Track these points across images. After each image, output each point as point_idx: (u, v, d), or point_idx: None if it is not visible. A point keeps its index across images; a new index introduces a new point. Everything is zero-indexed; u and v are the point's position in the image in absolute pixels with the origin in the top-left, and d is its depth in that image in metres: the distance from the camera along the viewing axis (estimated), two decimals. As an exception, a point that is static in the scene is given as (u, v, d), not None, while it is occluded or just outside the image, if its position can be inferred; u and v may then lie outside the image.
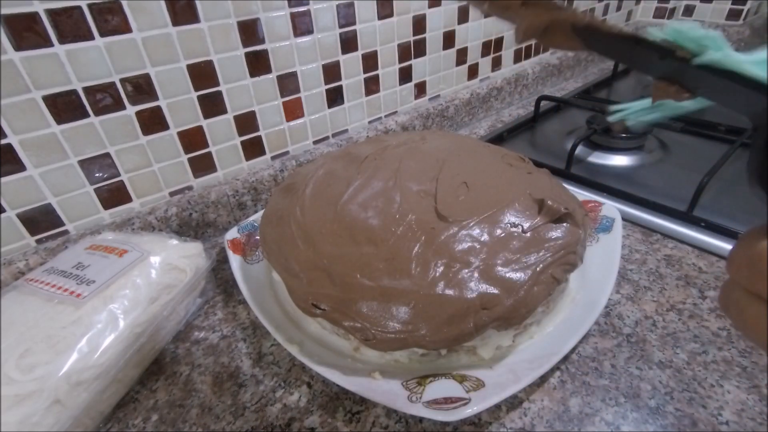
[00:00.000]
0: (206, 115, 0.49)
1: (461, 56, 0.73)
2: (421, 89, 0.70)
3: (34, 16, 0.36)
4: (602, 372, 0.33)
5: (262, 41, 0.49)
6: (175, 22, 0.43)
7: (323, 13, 0.53)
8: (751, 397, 0.31)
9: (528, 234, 0.34)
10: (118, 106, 0.42)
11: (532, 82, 0.87)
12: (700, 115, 0.72)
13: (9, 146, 0.38)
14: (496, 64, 0.80)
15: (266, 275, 0.43)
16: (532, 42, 0.21)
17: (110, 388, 0.33)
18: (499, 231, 0.34)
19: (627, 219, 0.49)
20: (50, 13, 0.36)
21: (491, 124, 0.78)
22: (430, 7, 0.63)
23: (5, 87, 0.36)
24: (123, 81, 0.42)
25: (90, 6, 0.38)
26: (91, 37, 0.39)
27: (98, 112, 0.42)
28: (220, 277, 0.47)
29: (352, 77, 0.60)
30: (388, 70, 0.63)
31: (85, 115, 0.41)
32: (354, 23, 0.56)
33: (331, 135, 0.62)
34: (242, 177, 0.54)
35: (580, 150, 0.61)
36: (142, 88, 0.43)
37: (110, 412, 0.33)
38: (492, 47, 0.77)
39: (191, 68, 0.45)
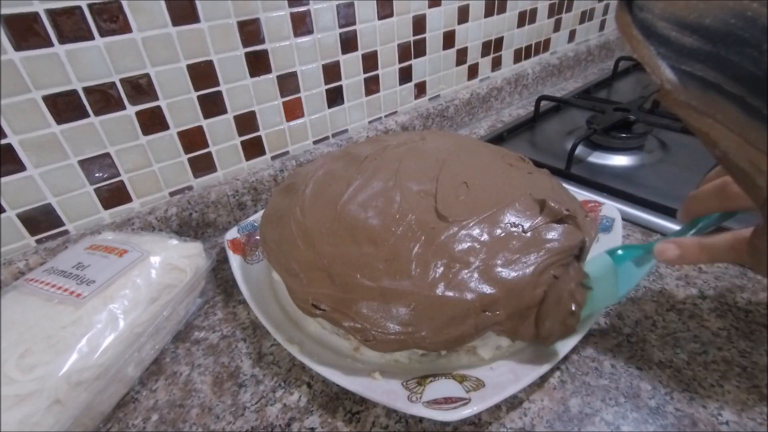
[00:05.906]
0: (206, 115, 0.49)
1: (461, 56, 0.73)
2: (421, 89, 0.70)
3: (34, 16, 0.36)
4: (602, 372, 0.33)
5: (262, 41, 0.49)
6: (175, 22, 0.43)
7: (323, 13, 0.53)
8: (751, 397, 0.31)
9: (528, 234, 0.34)
10: (118, 106, 0.42)
11: (532, 82, 0.87)
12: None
13: (9, 146, 0.38)
14: (496, 64, 0.80)
15: (266, 275, 0.43)
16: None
17: (110, 388, 0.33)
18: (499, 231, 0.34)
19: (627, 219, 0.49)
20: (50, 13, 0.36)
21: (491, 124, 0.78)
22: (430, 7, 0.63)
23: (5, 87, 0.36)
24: (123, 81, 0.42)
25: (90, 6, 0.38)
26: (91, 37, 0.39)
27: (98, 112, 0.42)
28: (220, 277, 0.47)
29: (352, 77, 0.60)
30: (388, 70, 0.63)
31: (85, 115, 0.41)
32: (354, 23, 0.56)
33: (331, 135, 0.62)
34: (242, 177, 0.54)
35: (580, 150, 0.61)
36: (142, 88, 0.43)
37: (110, 412, 0.33)
38: (492, 47, 0.77)
39: (191, 68, 0.45)
